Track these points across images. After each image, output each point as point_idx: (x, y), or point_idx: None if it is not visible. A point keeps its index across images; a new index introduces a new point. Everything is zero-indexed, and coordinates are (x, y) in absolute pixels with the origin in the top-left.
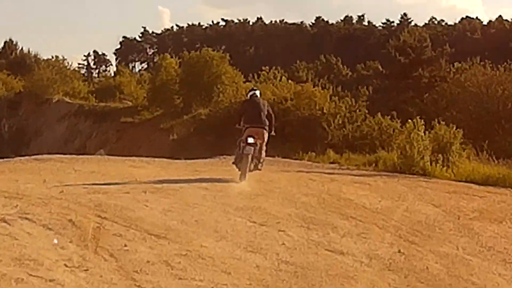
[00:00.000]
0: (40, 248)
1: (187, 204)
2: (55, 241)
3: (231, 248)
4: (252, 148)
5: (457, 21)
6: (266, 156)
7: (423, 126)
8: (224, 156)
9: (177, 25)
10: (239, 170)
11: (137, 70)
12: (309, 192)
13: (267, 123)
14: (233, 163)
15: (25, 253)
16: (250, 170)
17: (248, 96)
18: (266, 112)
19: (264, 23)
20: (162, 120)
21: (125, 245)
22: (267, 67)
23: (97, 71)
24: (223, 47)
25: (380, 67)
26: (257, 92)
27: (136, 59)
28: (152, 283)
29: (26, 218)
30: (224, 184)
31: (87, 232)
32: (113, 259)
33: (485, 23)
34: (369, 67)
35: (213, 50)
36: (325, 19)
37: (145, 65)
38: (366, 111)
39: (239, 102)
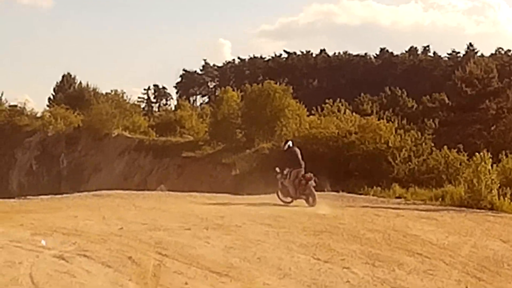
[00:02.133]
0: (98, 286)
1: (250, 241)
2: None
3: (295, 286)
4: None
5: None
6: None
7: (491, 159)
8: None
9: (238, 58)
10: (287, 202)
11: (198, 103)
12: (374, 228)
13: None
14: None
15: None
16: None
17: (287, 146)
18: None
19: (327, 55)
20: (224, 154)
21: (186, 283)
22: (330, 99)
23: (157, 104)
24: (286, 79)
25: (446, 99)
26: (290, 143)
27: (197, 93)
28: None
29: (85, 256)
30: (287, 220)
31: (147, 269)
32: None
33: None
34: (435, 99)
35: (276, 83)
36: (390, 50)
37: (206, 99)
38: (432, 145)
39: (300, 136)
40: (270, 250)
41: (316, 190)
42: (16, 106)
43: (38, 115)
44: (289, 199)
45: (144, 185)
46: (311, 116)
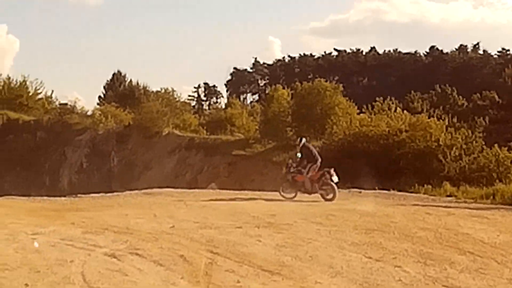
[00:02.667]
0: (150, 284)
1: (301, 239)
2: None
3: (347, 285)
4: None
5: None
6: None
7: None
8: (339, 189)
9: (288, 56)
10: (289, 197)
11: (248, 101)
12: (426, 226)
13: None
14: (304, 191)
15: None
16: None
17: (302, 143)
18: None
19: (377, 53)
20: (275, 153)
21: (238, 282)
22: (381, 97)
23: (207, 103)
24: (336, 77)
25: (496, 96)
26: (304, 140)
27: (247, 91)
28: None
29: (136, 254)
30: (338, 219)
31: (199, 268)
32: None
33: None
34: (485, 97)
35: (326, 81)
36: (439, 48)
37: (256, 97)
38: (483, 143)
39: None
40: (321, 249)
41: (366, 189)
42: (66, 104)
43: (89, 113)
44: (292, 194)
45: (195, 183)
46: (361, 114)
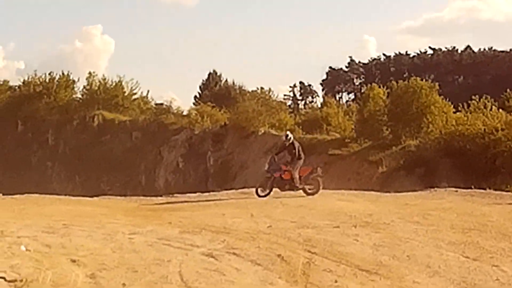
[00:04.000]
0: (248, 284)
1: (398, 238)
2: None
3: (444, 284)
4: None
5: None
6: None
7: None
8: (435, 189)
9: (383, 54)
10: (262, 195)
11: (344, 101)
12: None
13: None
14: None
15: None
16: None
17: (289, 138)
18: None
19: (473, 51)
20: (371, 152)
21: (336, 281)
22: (476, 96)
23: (303, 102)
24: (431, 76)
25: None
26: (291, 136)
27: (343, 90)
28: None
29: (234, 253)
30: (435, 218)
31: (297, 268)
32: None
33: None
34: None
35: (421, 80)
36: None
37: (352, 96)
38: None
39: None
40: (419, 248)
41: (462, 188)
42: (162, 104)
43: (184, 113)
44: (266, 192)
45: None
46: (457, 113)
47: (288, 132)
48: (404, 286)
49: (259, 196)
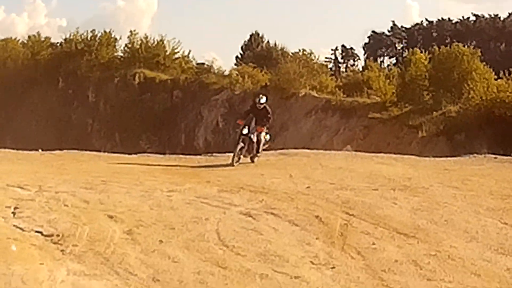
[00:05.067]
0: (285, 244)
1: (437, 203)
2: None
3: (481, 250)
4: None
5: None
6: None
7: None
8: (474, 155)
9: (426, 20)
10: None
11: (385, 65)
12: None
13: None
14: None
15: (270, 249)
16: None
17: (264, 101)
18: None
19: None
20: (411, 116)
21: (373, 244)
22: None
23: (344, 65)
24: (473, 42)
25: None
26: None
27: (385, 54)
28: (400, 283)
29: (272, 213)
30: (474, 184)
31: (334, 229)
32: (360, 257)
33: None
34: None
35: (463, 46)
36: None
37: (393, 60)
38: None
39: (488, 100)
40: (457, 213)
41: (502, 154)
42: (203, 64)
43: (226, 73)
44: (239, 159)
45: (330, 145)
46: (498, 80)
47: (261, 95)
48: (441, 250)
49: (233, 165)
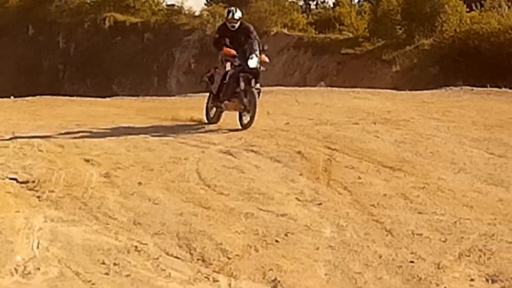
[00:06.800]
0: (269, 181)
1: (420, 135)
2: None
3: (471, 181)
4: None
5: None
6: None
7: None
8: (450, 87)
9: None
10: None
11: (356, 1)
12: None
13: None
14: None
15: (254, 187)
16: None
17: (238, 19)
18: None
19: None
20: (384, 51)
21: (359, 178)
22: None
23: (315, 2)
24: None
25: None
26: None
27: None
28: (390, 217)
29: (252, 151)
30: (455, 115)
31: (318, 164)
32: (347, 193)
33: None
34: None
35: None
36: None
37: None
38: None
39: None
40: (441, 145)
41: (478, 86)
42: (173, 5)
43: (196, 13)
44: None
45: (304, 82)
46: (472, 12)
47: (234, 8)
48: (430, 182)
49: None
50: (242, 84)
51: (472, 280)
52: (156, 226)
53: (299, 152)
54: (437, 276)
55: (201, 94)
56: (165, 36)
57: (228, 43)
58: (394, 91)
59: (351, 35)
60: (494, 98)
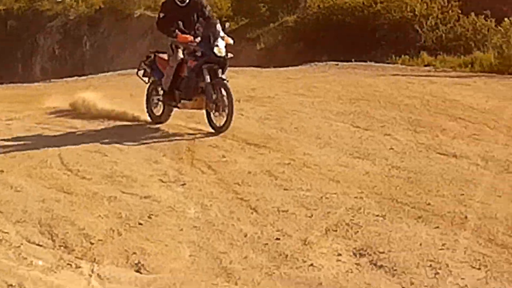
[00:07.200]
0: (132, 164)
1: (285, 111)
2: None
3: (337, 155)
4: None
5: None
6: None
7: None
8: (315, 63)
9: None
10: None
11: None
12: (411, 94)
13: None
14: None
15: (117, 170)
16: None
17: None
18: None
19: None
20: (248, 29)
21: (223, 157)
22: None
23: None
24: None
25: None
26: None
27: None
28: (256, 195)
29: (116, 133)
30: (320, 90)
31: (181, 144)
32: (211, 172)
33: None
34: None
35: None
36: None
37: None
38: (459, 11)
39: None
40: (306, 120)
41: (343, 61)
42: None
43: None
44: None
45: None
46: None
47: None
48: (295, 158)
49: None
50: (207, 78)
51: (339, 255)
52: (18, 214)
53: (162, 133)
54: (303, 252)
55: (64, 79)
56: (29, 23)
57: (181, 26)
58: (259, 69)
59: (215, 15)
60: (359, 72)
